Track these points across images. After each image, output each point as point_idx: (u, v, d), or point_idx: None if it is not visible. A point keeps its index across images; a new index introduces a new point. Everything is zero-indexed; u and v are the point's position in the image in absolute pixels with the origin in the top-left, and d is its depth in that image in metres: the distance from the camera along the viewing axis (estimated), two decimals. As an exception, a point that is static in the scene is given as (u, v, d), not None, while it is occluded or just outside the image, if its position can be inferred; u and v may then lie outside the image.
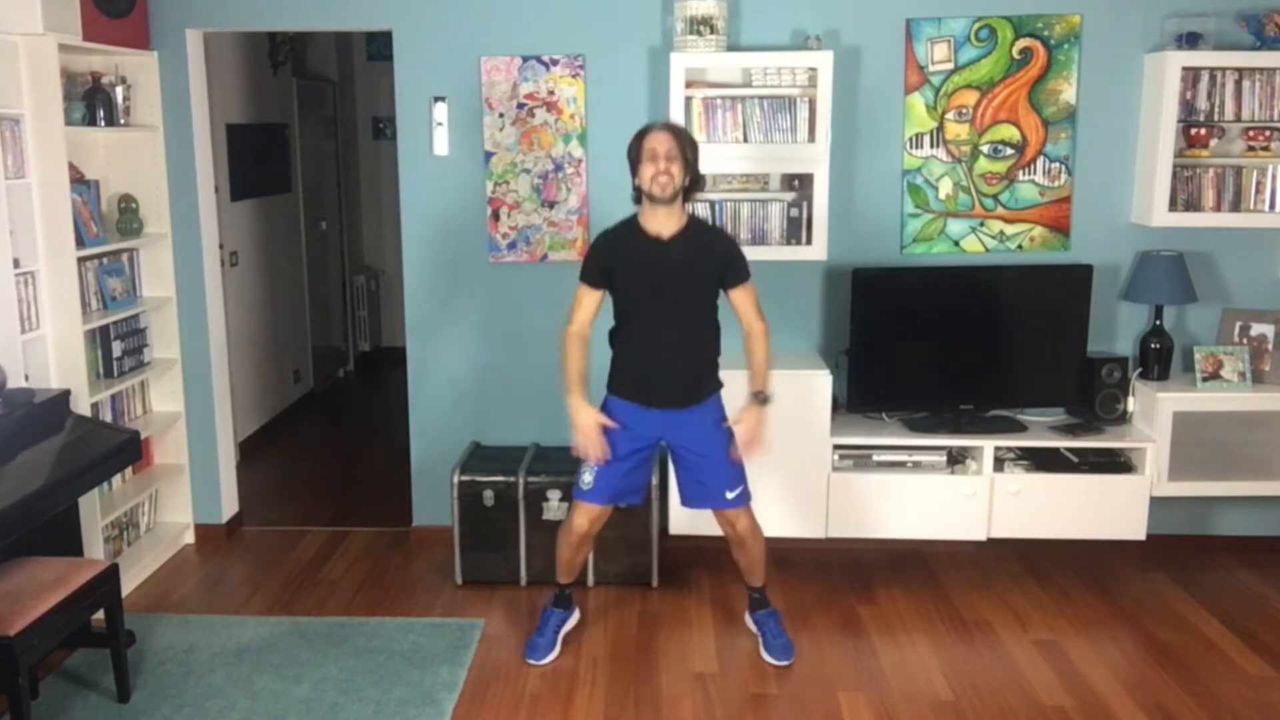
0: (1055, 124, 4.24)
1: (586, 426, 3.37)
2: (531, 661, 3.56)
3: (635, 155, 3.32)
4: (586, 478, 3.47)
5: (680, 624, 3.85)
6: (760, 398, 3.42)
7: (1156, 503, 4.16)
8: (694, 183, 3.36)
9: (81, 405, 3.82)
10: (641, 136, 3.32)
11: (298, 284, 6.76)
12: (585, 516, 3.51)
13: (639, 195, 3.35)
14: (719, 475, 3.47)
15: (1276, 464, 4.13)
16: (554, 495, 4.08)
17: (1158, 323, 4.26)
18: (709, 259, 3.37)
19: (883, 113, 4.27)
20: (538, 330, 4.44)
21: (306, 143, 6.90)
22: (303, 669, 3.51)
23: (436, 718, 3.23)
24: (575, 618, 3.79)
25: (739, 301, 3.42)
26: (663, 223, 3.33)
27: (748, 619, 3.75)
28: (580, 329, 3.42)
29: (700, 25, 4.02)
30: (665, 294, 3.35)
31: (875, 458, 4.22)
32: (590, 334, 3.44)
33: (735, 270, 3.39)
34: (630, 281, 3.36)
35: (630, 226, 3.40)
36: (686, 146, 3.30)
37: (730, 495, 3.48)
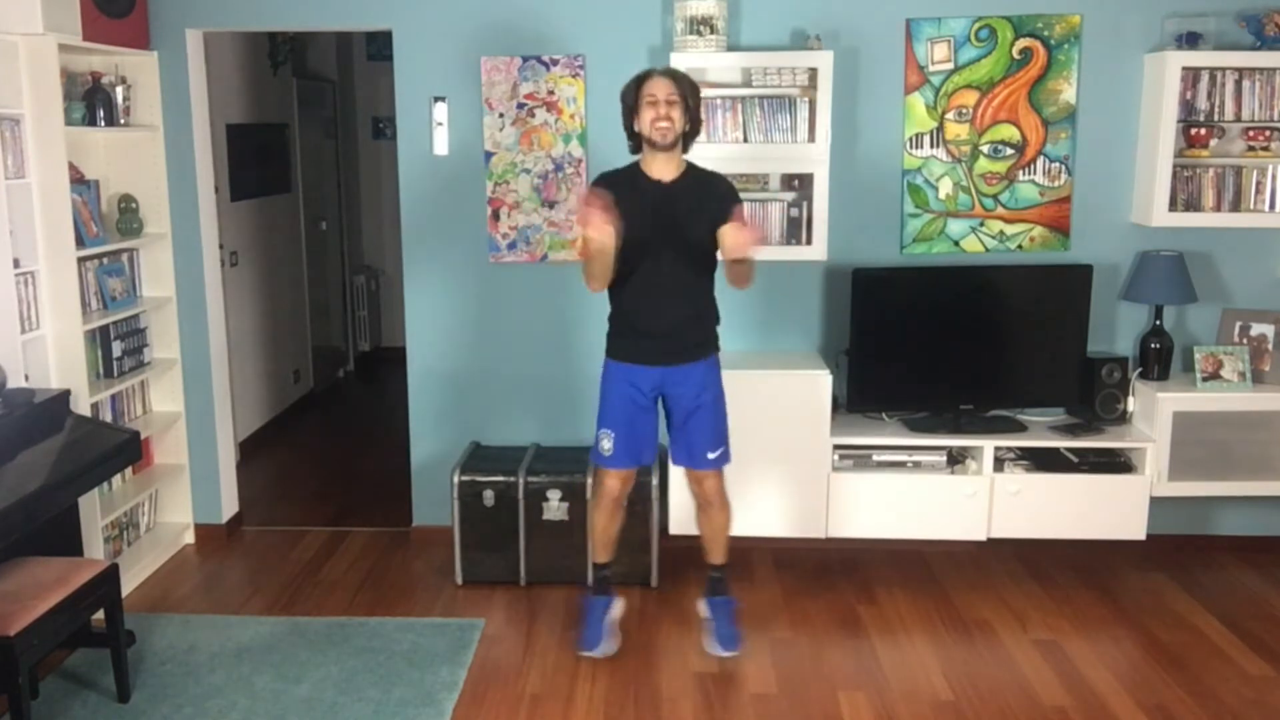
0: (1055, 124, 4.24)
1: (590, 209, 3.15)
2: (587, 653, 3.57)
3: (633, 100, 3.29)
4: (605, 445, 3.50)
5: (680, 624, 3.85)
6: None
7: (1156, 503, 4.16)
8: (694, 128, 3.35)
9: (81, 405, 3.82)
10: (641, 81, 3.28)
11: (298, 284, 6.76)
12: (616, 479, 3.55)
13: (637, 143, 3.34)
14: (705, 434, 3.49)
15: (1276, 464, 4.13)
16: (554, 495, 4.08)
17: (1158, 323, 4.26)
18: (710, 200, 3.33)
19: (883, 113, 4.27)
20: (538, 330, 4.45)
21: (306, 143, 6.90)
22: (303, 669, 3.52)
23: (436, 718, 3.23)
24: (620, 605, 3.74)
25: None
26: (663, 168, 3.33)
27: (701, 604, 3.73)
28: None
29: (700, 25, 4.02)
30: (668, 237, 3.31)
31: (875, 458, 4.22)
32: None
33: (731, 206, 3.33)
34: (632, 223, 3.26)
35: (632, 170, 3.38)
36: (687, 91, 3.27)
37: (711, 456, 3.51)
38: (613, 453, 3.50)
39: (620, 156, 4.23)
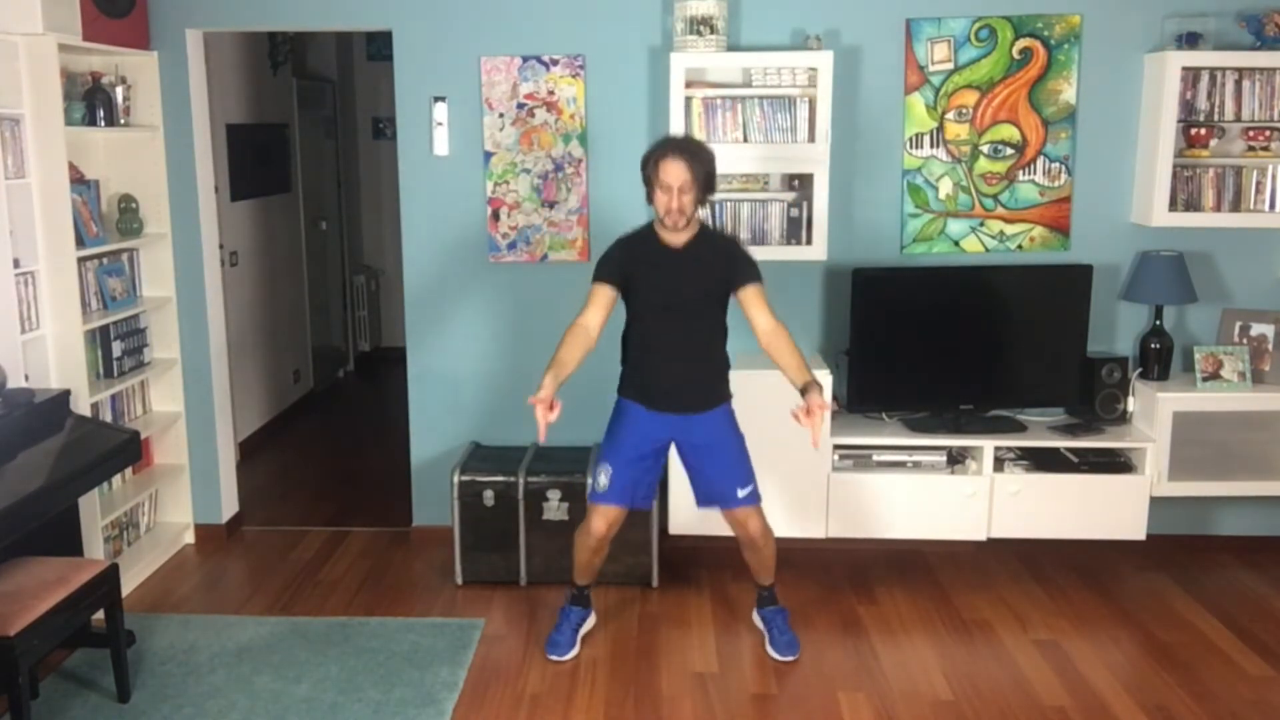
0: (1055, 124, 4.24)
1: (542, 396, 3.19)
2: (553, 657, 3.59)
3: (649, 179, 3.33)
4: (602, 480, 3.49)
5: (680, 624, 3.85)
6: (812, 386, 3.25)
7: (1156, 503, 4.16)
8: (708, 193, 3.37)
9: (81, 405, 3.82)
10: (657, 161, 3.29)
11: (298, 284, 6.76)
12: (603, 520, 3.51)
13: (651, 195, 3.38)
14: (729, 473, 3.48)
15: (1276, 464, 4.13)
16: (554, 495, 4.08)
17: (1158, 323, 4.26)
18: (719, 262, 3.39)
19: (883, 113, 4.27)
20: (538, 330, 4.44)
21: (306, 143, 6.90)
22: (303, 669, 3.51)
23: (436, 718, 3.23)
24: (592, 620, 3.79)
25: (752, 303, 3.37)
26: (676, 235, 3.38)
27: (755, 615, 3.77)
28: (585, 323, 3.36)
29: (700, 25, 4.02)
30: (679, 301, 3.39)
31: (875, 458, 4.22)
32: (595, 338, 3.38)
33: (745, 270, 3.38)
34: (647, 289, 3.39)
35: (648, 235, 3.43)
36: (699, 172, 3.27)
37: (741, 494, 3.48)
38: (607, 489, 3.48)
39: (619, 156, 4.25)
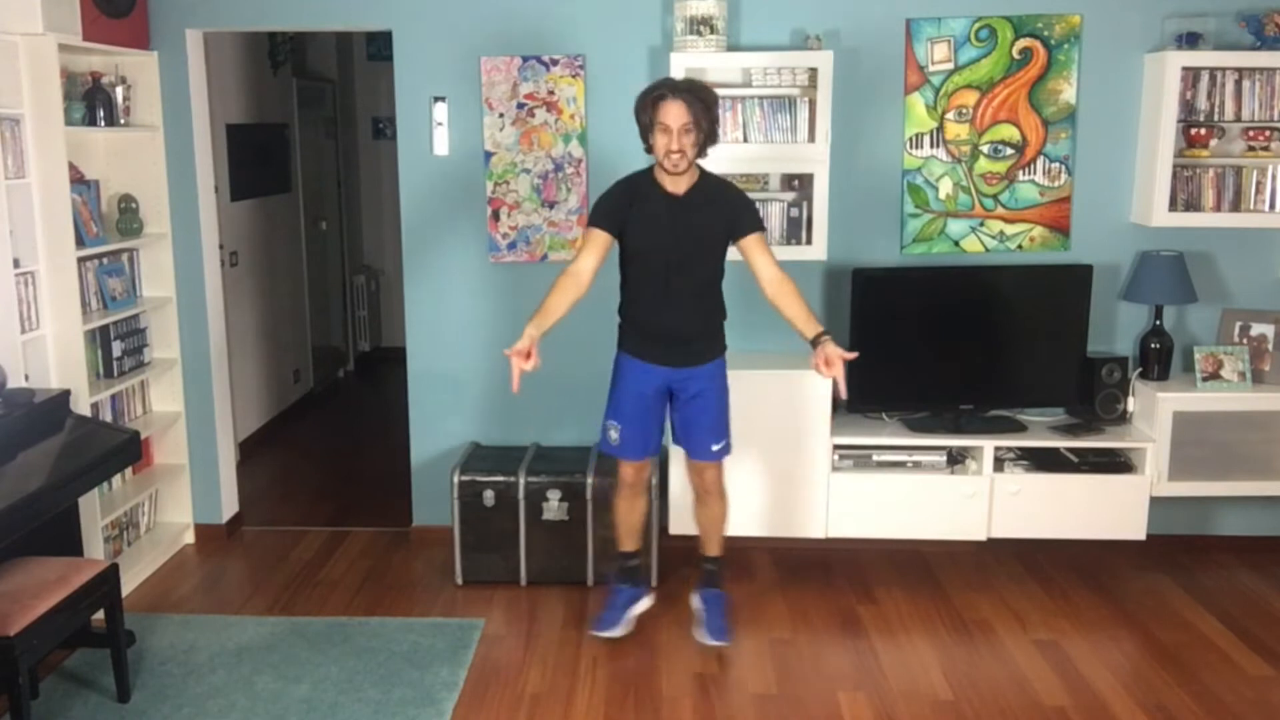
0: (1055, 124, 4.24)
1: (519, 347, 3.23)
2: (594, 632, 3.63)
3: (647, 121, 3.24)
4: (613, 435, 3.55)
5: (680, 624, 3.84)
6: (823, 337, 3.21)
7: (1156, 503, 4.16)
8: (711, 139, 3.29)
9: (81, 405, 3.82)
10: (655, 102, 3.21)
11: (298, 284, 6.76)
12: (629, 467, 3.59)
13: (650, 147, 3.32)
14: (711, 427, 3.53)
15: (1276, 464, 4.13)
16: (554, 495, 4.08)
17: (1158, 323, 4.26)
18: (721, 210, 3.34)
19: (883, 113, 4.26)
20: (538, 330, 4.44)
21: (306, 143, 6.90)
22: (303, 669, 3.51)
23: (436, 718, 3.23)
24: (647, 601, 3.75)
25: (754, 252, 3.32)
26: (675, 181, 3.32)
27: (694, 596, 3.77)
28: (577, 269, 3.32)
29: (700, 25, 4.02)
30: (677, 250, 3.34)
31: (875, 458, 4.22)
32: (587, 283, 3.34)
33: (746, 220, 3.33)
34: (642, 237, 3.34)
35: (645, 180, 3.36)
36: (701, 112, 3.19)
37: (715, 447, 3.55)
38: (620, 444, 3.56)
39: (619, 157, 4.25)
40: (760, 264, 3.34)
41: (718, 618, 3.66)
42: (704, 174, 3.41)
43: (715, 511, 3.69)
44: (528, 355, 3.19)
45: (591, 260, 3.34)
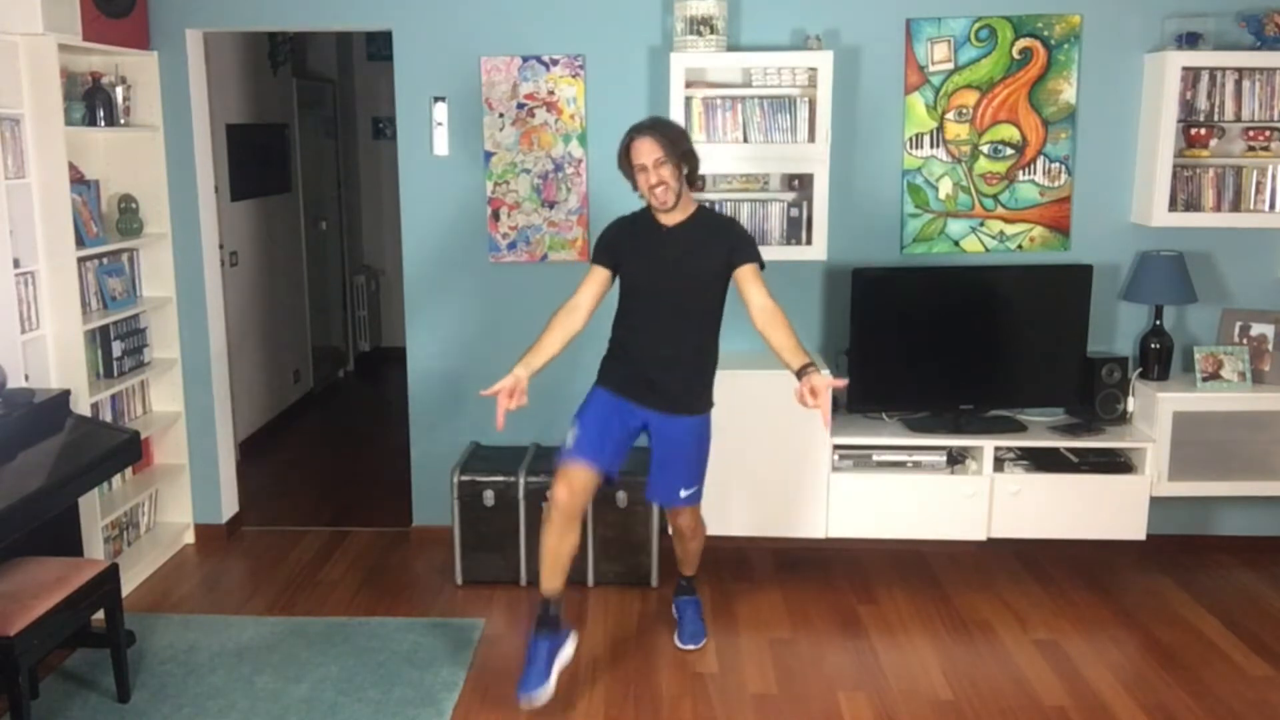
0: (1055, 124, 4.24)
1: (502, 386, 3.16)
2: (522, 697, 3.19)
3: (626, 168, 3.27)
4: (569, 439, 3.35)
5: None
6: (809, 368, 3.09)
7: (1156, 503, 4.16)
8: (692, 168, 3.29)
9: (81, 405, 3.82)
10: (626, 148, 3.24)
11: (298, 284, 6.76)
12: (565, 486, 3.25)
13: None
14: (681, 474, 3.44)
15: (1276, 464, 4.13)
16: (554, 495, 4.08)
17: (1158, 323, 4.26)
18: (720, 243, 3.28)
19: (883, 113, 4.27)
20: (538, 330, 4.41)
21: (306, 143, 6.90)
22: (303, 669, 3.51)
23: (436, 718, 3.23)
24: (572, 643, 3.38)
25: (748, 281, 3.23)
26: (673, 216, 3.31)
27: (673, 606, 3.85)
28: (574, 303, 3.33)
29: (700, 25, 4.02)
30: (670, 284, 3.29)
31: (875, 458, 4.22)
32: (584, 318, 3.33)
33: (743, 250, 3.27)
34: (636, 269, 3.32)
35: (644, 216, 3.36)
36: (670, 146, 3.19)
37: (684, 494, 3.47)
38: (573, 444, 3.31)
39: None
40: (752, 292, 3.24)
41: (692, 621, 3.72)
42: (701, 208, 3.37)
43: (690, 547, 3.70)
44: (511, 394, 3.16)
45: (589, 295, 3.34)
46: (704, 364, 3.41)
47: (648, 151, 3.19)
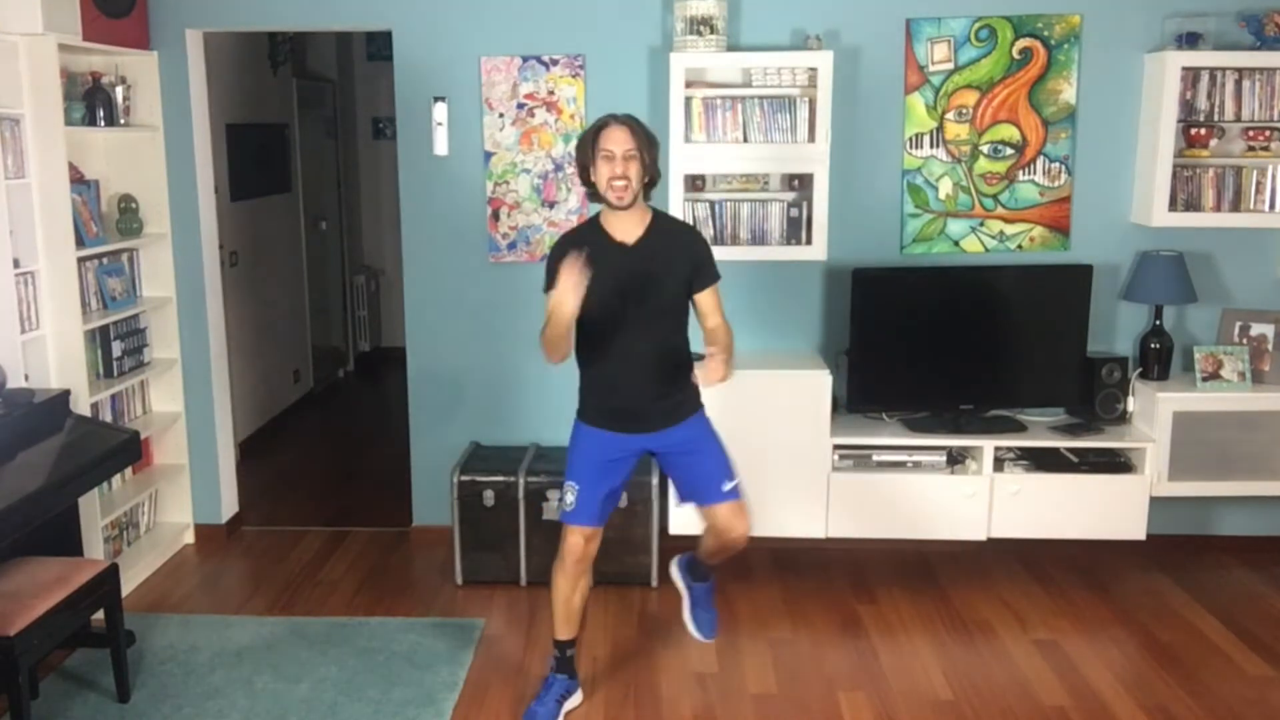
0: (1055, 124, 4.24)
1: (564, 270, 2.87)
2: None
3: (589, 151, 3.00)
4: (569, 498, 3.16)
5: (680, 624, 3.83)
6: (717, 355, 2.93)
7: (1156, 503, 4.16)
8: (652, 179, 3.05)
9: (81, 405, 3.82)
10: (597, 132, 2.99)
11: (298, 284, 6.76)
12: (578, 536, 3.17)
13: (595, 192, 3.06)
14: (713, 471, 3.18)
15: (1276, 464, 4.13)
16: (554, 495, 4.08)
17: (1158, 323, 4.26)
18: (680, 260, 3.08)
19: (883, 113, 4.26)
20: (537, 330, 4.43)
21: (306, 143, 6.90)
22: (303, 669, 3.51)
23: (436, 718, 3.23)
24: (579, 697, 3.34)
25: (706, 304, 3.12)
26: (627, 227, 3.04)
27: (677, 572, 3.50)
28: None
29: (700, 25, 4.02)
30: (636, 305, 3.04)
31: (875, 458, 4.22)
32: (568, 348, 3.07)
33: (706, 272, 3.10)
34: (597, 293, 2.93)
35: (593, 230, 3.09)
36: (644, 144, 2.98)
37: (727, 487, 3.16)
38: (574, 508, 3.15)
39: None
40: (709, 313, 3.13)
41: (707, 609, 3.46)
42: (657, 214, 3.13)
43: (730, 552, 3.29)
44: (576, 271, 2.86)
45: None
46: (683, 371, 3.17)
47: (621, 141, 2.95)
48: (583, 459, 3.18)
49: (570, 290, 2.84)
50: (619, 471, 3.21)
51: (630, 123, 3.01)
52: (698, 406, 3.22)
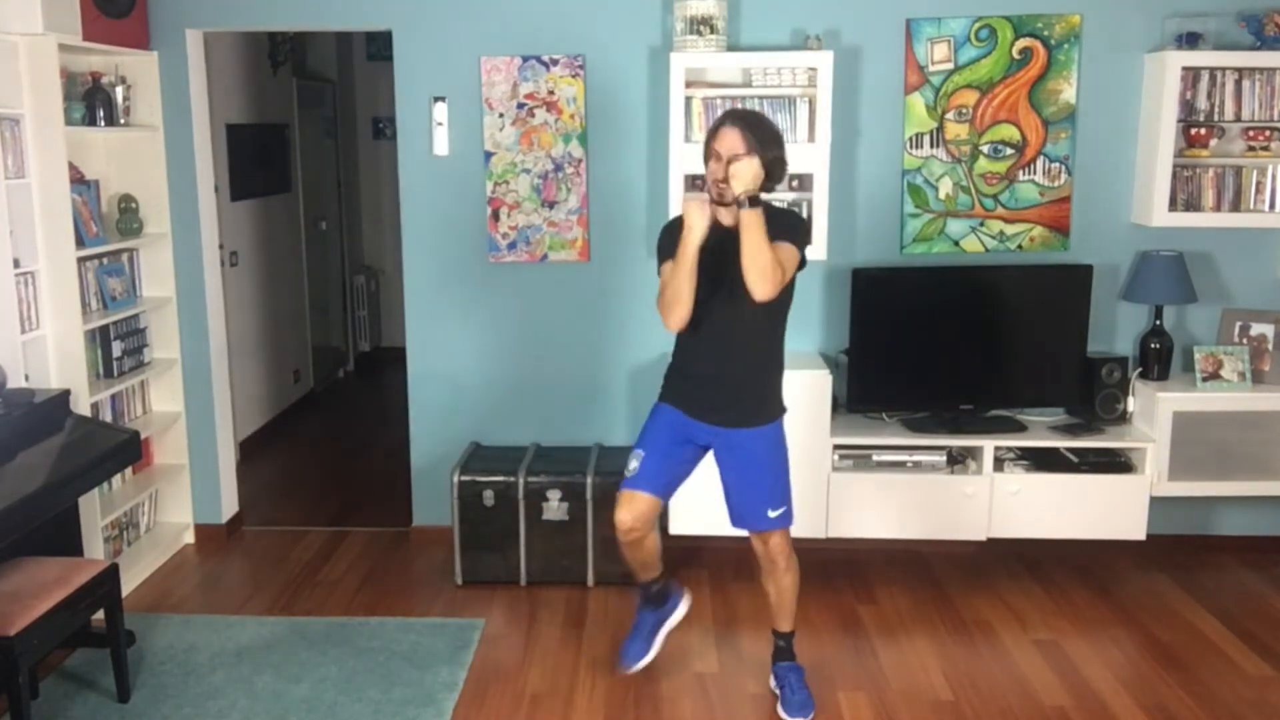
0: (1055, 124, 4.24)
1: (689, 206, 2.96)
2: (621, 665, 3.43)
3: (706, 149, 3.05)
4: (632, 464, 3.23)
5: (680, 624, 3.84)
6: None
7: (1156, 503, 4.16)
8: (772, 176, 3.00)
9: (81, 405, 3.82)
10: (715, 129, 3.03)
11: (298, 284, 6.76)
12: (628, 510, 3.18)
13: None
14: (762, 493, 3.17)
15: (1276, 464, 4.13)
16: (554, 495, 4.08)
17: (1158, 323, 4.26)
18: (770, 233, 2.97)
19: (883, 113, 4.26)
20: (538, 330, 4.45)
21: (306, 143, 6.90)
22: (303, 669, 3.51)
23: (436, 718, 3.23)
24: (682, 608, 3.51)
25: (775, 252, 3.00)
26: (728, 212, 3.04)
27: (771, 675, 3.41)
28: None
29: (700, 25, 4.02)
30: (728, 286, 3.03)
31: (875, 458, 4.22)
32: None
33: (782, 229, 3.00)
34: (700, 265, 2.99)
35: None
36: (755, 141, 2.96)
37: (773, 515, 3.16)
38: (635, 473, 3.20)
39: (619, 156, 4.25)
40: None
41: (796, 692, 3.27)
42: (768, 206, 3.04)
43: (784, 583, 3.28)
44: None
45: None
46: (769, 372, 3.20)
47: (730, 142, 2.97)
48: (653, 429, 3.26)
49: (698, 214, 2.93)
50: (683, 454, 3.25)
51: (742, 123, 3.00)
52: (775, 417, 3.21)
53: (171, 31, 4.30)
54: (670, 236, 3.09)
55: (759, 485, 3.18)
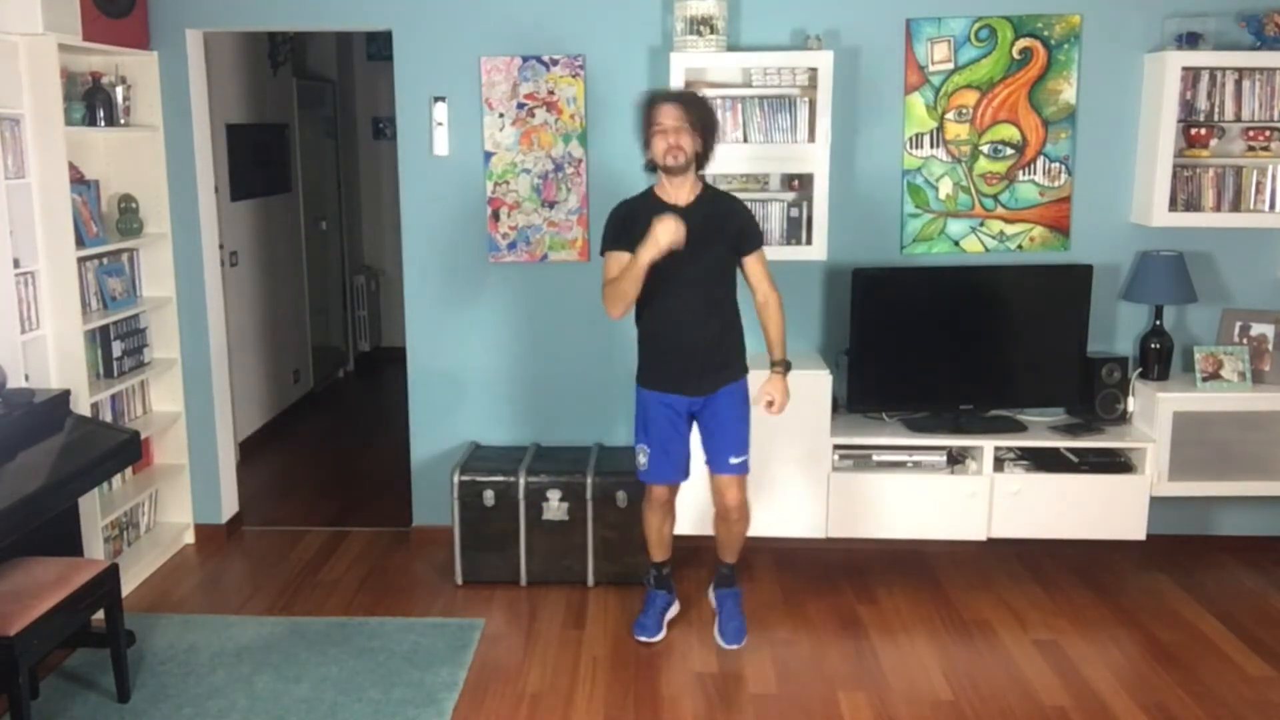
0: (1055, 124, 4.24)
1: (664, 222, 3.24)
2: (640, 638, 3.68)
3: (646, 129, 3.36)
4: (641, 459, 3.61)
5: (680, 624, 3.85)
6: (782, 366, 3.51)
7: (1156, 503, 4.16)
8: (707, 147, 3.39)
9: (81, 405, 3.82)
10: (649, 108, 3.35)
11: (298, 284, 6.76)
12: (660, 488, 3.64)
13: (653, 166, 3.41)
14: (730, 441, 3.54)
15: (1276, 464, 4.13)
16: (554, 495, 4.08)
17: (1158, 323, 4.26)
18: (727, 224, 3.42)
19: (883, 113, 4.26)
20: (537, 330, 4.45)
21: (306, 143, 6.90)
22: (303, 669, 3.52)
23: (436, 718, 3.23)
24: (677, 608, 3.85)
25: (753, 269, 3.47)
26: (679, 193, 3.40)
27: (710, 593, 3.87)
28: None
29: (700, 25, 4.02)
30: (688, 262, 3.33)
31: (875, 458, 4.22)
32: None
33: (751, 236, 3.45)
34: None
35: (647, 196, 3.46)
36: (693, 114, 3.31)
37: (734, 461, 3.55)
38: (648, 469, 3.60)
39: (619, 157, 4.25)
40: (758, 278, 3.48)
41: (731, 618, 3.72)
42: (707, 186, 3.48)
43: (735, 530, 3.70)
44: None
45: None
46: (728, 334, 3.52)
47: (670, 116, 3.30)
48: (646, 422, 3.58)
49: (671, 234, 3.20)
50: (679, 429, 3.58)
51: (679, 97, 3.37)
52: (741, 374, 3.56)
53: (171, 31, 4.30)
54: (620, 226, 3.41)
55: (726, 436, 3.54)
